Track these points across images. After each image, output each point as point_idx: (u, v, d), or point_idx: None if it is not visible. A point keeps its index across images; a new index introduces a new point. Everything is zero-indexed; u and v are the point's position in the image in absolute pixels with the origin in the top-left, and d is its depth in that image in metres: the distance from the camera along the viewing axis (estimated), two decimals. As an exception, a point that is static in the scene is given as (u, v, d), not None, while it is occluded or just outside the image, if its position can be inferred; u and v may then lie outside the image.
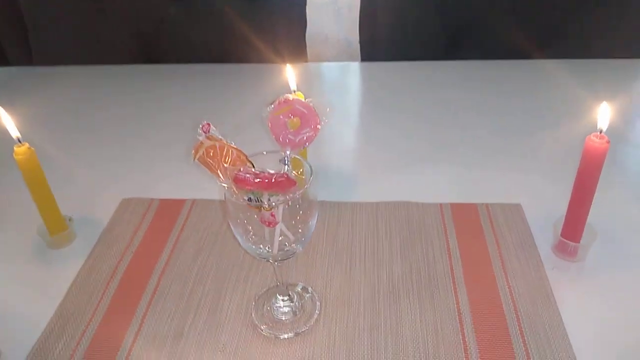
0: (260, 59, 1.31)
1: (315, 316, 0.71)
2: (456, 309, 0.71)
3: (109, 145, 1.11)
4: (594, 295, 0.73)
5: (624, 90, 1.21)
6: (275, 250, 0.62)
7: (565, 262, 0.78)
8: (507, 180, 0.94)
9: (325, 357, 0.66)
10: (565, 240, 0.78)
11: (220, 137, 0.59)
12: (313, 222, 0.62)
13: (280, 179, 0.54)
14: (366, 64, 1.44)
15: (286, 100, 0.62)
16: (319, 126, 0.62)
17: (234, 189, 0.56)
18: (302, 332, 0.69)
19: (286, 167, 0.62)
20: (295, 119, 0.62)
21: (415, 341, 0.67)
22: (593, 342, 0.67)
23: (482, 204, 0.88)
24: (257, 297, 0.74)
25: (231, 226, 0.63)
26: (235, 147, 0.60)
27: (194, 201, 0.93)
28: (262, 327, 0.70)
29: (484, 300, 0.72)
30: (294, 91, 0.82)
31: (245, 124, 1.04)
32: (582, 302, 0.72)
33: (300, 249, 0.63)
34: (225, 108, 1.21)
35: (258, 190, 0.55)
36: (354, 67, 1.48)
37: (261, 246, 0.63)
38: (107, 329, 0.71)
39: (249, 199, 0.57)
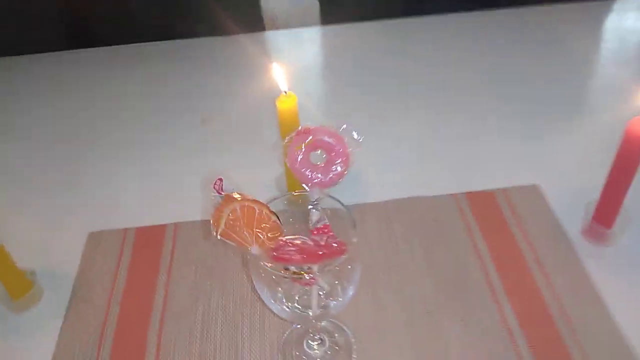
0: (212, 32, 1.14)
1: (355, 357, 0.63)
2: (503, 325, 0.65)
3: (47, 164, 0.94)
4: (635, 283, 0.69)
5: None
6: (315, 310, 0.52)
7: (597, 247, 0.73)
8: (518, 158, 0.87)
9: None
10: (598, 225, 0.72)
11: (233, 190, 0.47)
12: (357, 275, 0.52)
13: (329, 250, 0.43)
14: (330, 27, 1.29)
15: (305, 131, 0.50)
16: (349, 156, 0.51)
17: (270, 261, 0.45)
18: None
19: (316, 214, 0.51)
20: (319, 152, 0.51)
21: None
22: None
23: (499, 190, 0.81)
24: (281, 344, 0.65)
25: (255, 283, 0.52)
26: (253, 199, 0.48)
27: (176, 225, 0.80)
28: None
29: (530, 309, 0.66)
30: (285, 92, 0.69)
31: (212, 115, 0.91)
32: (623, 290, 0.68)
33: (341, 306, 0.53)
34: (184, 96, 1.05)
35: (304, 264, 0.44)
36: (315, 32, 1.33)
37: (290, 305, 0.53)
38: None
39: (287, 268, 0.46)
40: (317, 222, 0.50)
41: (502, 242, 0.74)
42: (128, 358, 0.65)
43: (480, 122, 0.95)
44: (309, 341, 0.64)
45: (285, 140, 0.51)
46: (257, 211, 0.47)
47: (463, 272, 0.71)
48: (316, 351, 0.63)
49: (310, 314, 0.51)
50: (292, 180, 0.79)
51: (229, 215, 0.45)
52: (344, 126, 0.51)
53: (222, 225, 0.44)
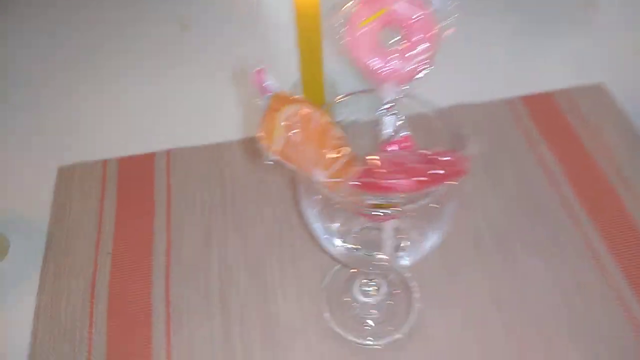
0: None
1: (418, 304, 0.51)
2: (588, 249, 0.53)
3: (3, 88, 0.75)
4: None
5: None
6: (388, 252, 0.38)
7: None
8: (578, 55, 0.73)
9: (452, 350, 0.47)
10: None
11: (277, 88, 0.32)
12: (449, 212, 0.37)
13: (449, 167, 0.29)
14: None
15: (375, -4, 0.34)
16: (435, 36, 0.35)
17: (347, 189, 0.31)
18: (410, 328, 0.49)
19: (391, 121, 0.36)
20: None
21: (553, 301, 0.50)
22: None
23: (560, 91, 0.67)
24: (324, 287, 0.52)
25: (306, 215, 0.38)
26: (309, 101, 0.33)
27: (168, 152, 0.64)
28: (347, 333, 0.49)
29: (616, 228, 0.55)
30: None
31: (194, 17, 0.73)
32: None
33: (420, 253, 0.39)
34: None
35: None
36: None
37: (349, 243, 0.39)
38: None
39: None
40: (394, 133, 0.35)
41: (571, 152, 0.61)
42: (130, 321, 0.51)
43: (533, 17, 0.79)
44: (362, 287, 0.51)
45: (342, 10, 0.35)
46: (318, 120, 0.32)
47: (531, 191, 0.58)
48: (371, 298, 0.51)
49: (382, 257, 0.38)
50: (311, 89, 0.63)
51: (284, 122, 0.29)
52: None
53: (279, 140, 0.29)
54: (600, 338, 0.48)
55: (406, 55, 0.35)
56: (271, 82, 0.31)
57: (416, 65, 0.35)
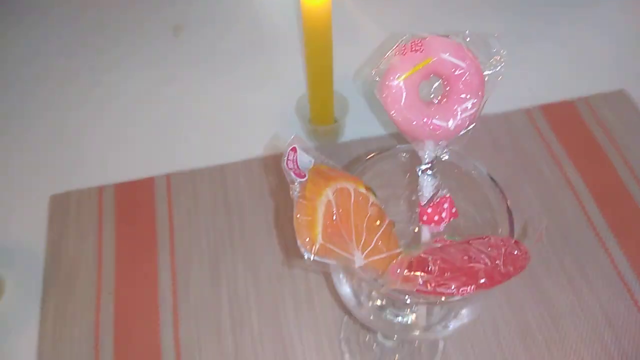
0: None
1: (442, 343, 0.48)
2: (617, 275, 0.51)
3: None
4: None
5: None
6: (422, 324, 0.35)
7: None
8: (597, 61, 0.69)
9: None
10: None
11: (310, 162, 0.28)
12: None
13: (512, 263, 0.25)
14: None
15: (417, 44, 0.30)
16: (485, 84, 0.31)
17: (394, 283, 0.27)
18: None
19: (429, 182, 0.32)
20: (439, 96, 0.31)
21: (587, 339, 0.48)
22: None
23: (580, 98, 0.64)
24: (342, 328, 0.49)
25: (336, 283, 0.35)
26: (339, 171, 0.29)
27: (168, 177, 0.60)
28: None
29: (646, 253, 0.53)
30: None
31: (191, 19, 0.67)
32: None
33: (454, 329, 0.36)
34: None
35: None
36: None
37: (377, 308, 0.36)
38: None
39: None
40: (434, 195, 0.32)
41: (596, 167, 0.59)
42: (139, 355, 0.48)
43: (547, 18, 0.75)
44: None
45: (379, 65, 0.31)
46: (353, 193, 0.28)
47: (555, 209, 0.55)
48: (393, 340, 0.48)
49: (415, 330, 0.35)
50: (320, 106, 0.59)
51: (323, 212, 0.26)
52: (469, 35, 0.31)
53: (319, 235, 0.25)
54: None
55: (451, 112, 0.31)
56: (305, 158, 0.27)
57: (461, 121, 0.31)
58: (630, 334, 0.48)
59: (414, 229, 0.37)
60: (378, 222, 0.30)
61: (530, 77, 0.67)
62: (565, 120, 0.62)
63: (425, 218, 0.33)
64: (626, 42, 0.70)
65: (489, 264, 0.25)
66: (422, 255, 0.26)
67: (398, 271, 0.26)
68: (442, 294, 0.25)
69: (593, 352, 0.47)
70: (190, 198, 0.58)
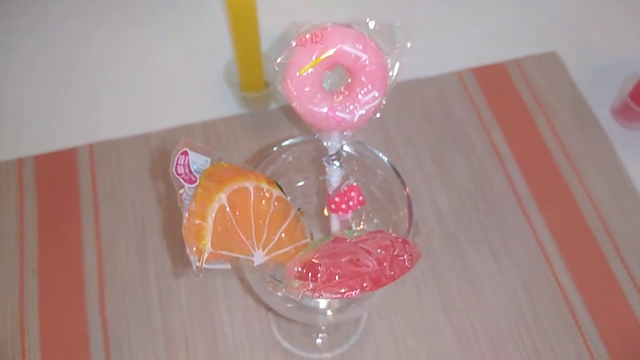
0: None
1: (365, 314, 0.50)
2: (537, 244, 0.53)
3: None
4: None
5: None
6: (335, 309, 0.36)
7: (630, 131, 0.60)
8: (530, 21, 0.69)
9: (402, 357, 0.48)
10: (633, 104, 0.59)
11: (205, 163, 0.27)
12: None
13: (397, 267, 0.26)
14: None
15: (316, 36, 0.29)
16: (389, 75, 0.31)
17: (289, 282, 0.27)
18: (358, 338, 0.49)
19: (336, 172, 0.32)
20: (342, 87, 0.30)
21: (504, 307, 0.50)
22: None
23: (511, 61, 0.64)
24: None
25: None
26: (238, 169, 0.28)
27: (91, 147, 0.57)
28: (295, 346, 0.48)
29: (565, 222, 0.55)
30: None
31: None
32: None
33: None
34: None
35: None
36: None
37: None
38: None
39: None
40: (340, 185, 0.31)
41: (522, 131, 0.60)
42: (66, 350, 0.48)
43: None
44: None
45: (280, 58, 0.29)
46: (252, 192, 0.27)
47: (483, 181, 0.56)
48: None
49: (329, 315, 0.35)
50: (249, 72, 0.57)
51: (214, 219, 0.25)
52: (372, 23, 0.30)
53: (208, 244, 0.25)
54: (547, 340, 0.49)
55: (355, 104, 0.30)
56: (198, 160, 0.26)
57: (365, 112, 0.31)
58: (546, 301, 0.50)
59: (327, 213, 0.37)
60: (282, 216, 0.30)
61: (462, 39, 0.66)
62: (495, 84, 0.62)
63: (333, 207, 0.33)
64: (560, 2, 0.70)
65: (376, 266, 0.25)
66: (314, 260, 0.26)
67: (295, 270, 0.27)
68: (330, 297, 0.25)
69: (509, 319, 0.49)
70: (115, 168, 0.56)
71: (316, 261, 0.26)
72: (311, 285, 0.25)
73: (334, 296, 0.25)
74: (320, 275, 0.25)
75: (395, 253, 0.26)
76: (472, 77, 0.62)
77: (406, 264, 0.26)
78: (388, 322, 0.49)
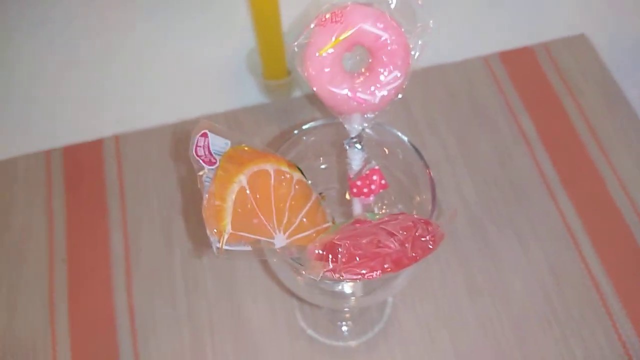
0: None
1: (390, 298, 0.49)
2: (564, 227, 0.52)
3: None
4: None
5: None
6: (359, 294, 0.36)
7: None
8: (553, 2, 0.67)
9: (425, 345, 0.47)
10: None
11: (225, 145, 0.27)
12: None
13: (420, 247, 0.25)
14: None
15: (336, 15, 0.29)
16: (411, 55, 0.30)
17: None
18: (383, 326, 0.48)
19: (358, 155, 0.32)
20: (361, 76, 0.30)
21: (531, 292, 0.49)
22: None
23: (540, 44, 0.62)
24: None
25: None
26: (259, 152, 0.28)
27: (117, 138, 0.58)
28: (320, 334, 0.48)
29: (594, 205, 0.53)
30: None
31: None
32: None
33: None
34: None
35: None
36: None
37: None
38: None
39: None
40: (361, 168, 0.31)
41: (549, 115, 0.58)
42: (95, 335, 0.49)
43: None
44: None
45: (298, 40, 0.29)
46: (273, 174, 0.27)
47: (509, 166, 0.55)
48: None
49: (352, 299, 0.35)
50: (271, 60, 0.57)
51: (234, 200, 0.25)
52: (393, 2, 0.29)
53: (228, 226, 0.25)
54: (575, 327, 0.47)
55: (376, 84, 0.30)
56: (218, 142, 0.26)
57: (387, 93, 0.30)
58: (573, 286, 0.49)
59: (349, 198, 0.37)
60: (303, 200, 0.30)
61: (489, 23, 0.65)
62: (523, 68, 0.61)
63: (355, 191, 0.33)
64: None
65: (397, 247, 0.25)
66: (335, 241, 0.26)
67: (316, 252, 0.26)
68: (351, 279, 0.25)
69: (536, 303, 0.49)
70: (140, 158, 0.57)
71: (337, 242, 0.25)
72: (331, 266, 0.25)
73: (354, 277, 0.25)
74: (341, 256, 0.25)
75: (417, 234, 0.25)
76: (499, 62, 0.61)
77: (429, 245, 0.26)
78: (413, 309, 0.49)
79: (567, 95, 0.59)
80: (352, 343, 0.47)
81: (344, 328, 0.48)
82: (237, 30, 0.64)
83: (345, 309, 0.48)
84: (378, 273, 0.25)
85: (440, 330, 0.48)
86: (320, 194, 0.32)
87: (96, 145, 0.57)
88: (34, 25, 0.67)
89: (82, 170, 0.56)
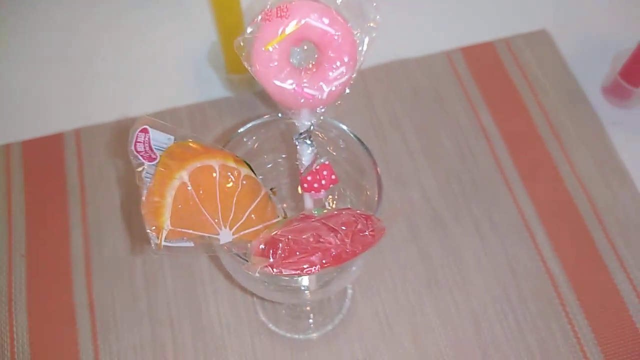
0: None
1: (350, 291, 0.50)
2: (522, 222, 0.53)
3: None
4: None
5: None
6: (313, 288, 0.36)
7: (621, 109, 0.60)
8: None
9: (384, 338, 0.48)
10: (623, 82, 0.58)
11: (168, 140, 0.27)
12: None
13: (360, 243, 0.26)
14: None
15: (282, 10, 0.29)
16: (358, 51, 0.30)
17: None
18: (342, 318, 0.49)
19: (307, 151, 0.32)
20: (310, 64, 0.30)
21: (489, 286, 0.50)
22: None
23: (500, 39, 0.63)
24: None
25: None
26: (204, 147, 0.28)
27: (77, 132, 0.57)
28: (280, 328, 0.48)
29: (551, 199, 0.54)
30: None
31: None
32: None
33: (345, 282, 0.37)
34: None
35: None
36: None
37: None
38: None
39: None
40: (311, 163, 0.31)
41: (510, 111, 0.59)
42: (54, 332, 0.48)
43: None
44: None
45: (248, 32, 0.29)
46: (218, 170, 0.27)
47: (469, 160, 0.56)
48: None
49: (307, 293, 0.35)
50: (233, 54, 0.57)
51: (173, 196, 0.25)
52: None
53: (167, 222, 0.25)
54: (531, 321, 0.48)
55: (323, 80, 0.30)
56: (159, 137, 0.26)
57: (335, 88, 0.30)
58: (531, 280, 0.50)
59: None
60: (251, 195, 0.30)
61: (452, 18, 0.65)
62: (484, 63, 0.62)
63: (305, 186, 0.33)
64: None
65: (337, 242, 0.25)
66: (276, 236, 0.26)
67: (259, 247, 0.27)
68: (290, 274, 0.25)
69: (494, 295, 0.49)
70: (101, 153, 0.56)
71: (278, 237, 0.26)
72: (271, 260, 0.25)
73: (294, 272, 0.25)
74: (281, 251, 0.25)
75: (357, 228, 0.26)
76: (460, 57, 0.62)
77: (369, 240, 0.26)
78: (372, 302, 0.49)
79: (527, 90, 0.60)
80: (313, 335, 0.48)
81: (305, 321, 0.49)
82: (200, 25, 0.63)
83: (304, 303, 0.48)
84: (317, 268, 0.25)
85: (399, 322, 0.48)
86: (271, 189, 0.33)
87: (56, 139, 0.57)
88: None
89: (42, 164, 0.56)
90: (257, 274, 0.25)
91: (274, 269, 0.25)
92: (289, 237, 0.26)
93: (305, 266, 0.25)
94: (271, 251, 0.25)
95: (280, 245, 0.25)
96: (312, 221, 0.27)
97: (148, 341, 0.48)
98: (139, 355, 0.47)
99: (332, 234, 0.26)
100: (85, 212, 0.53)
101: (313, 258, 0.25)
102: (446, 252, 0.52)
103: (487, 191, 0.54)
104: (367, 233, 0.26)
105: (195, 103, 0.59)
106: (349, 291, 0.50)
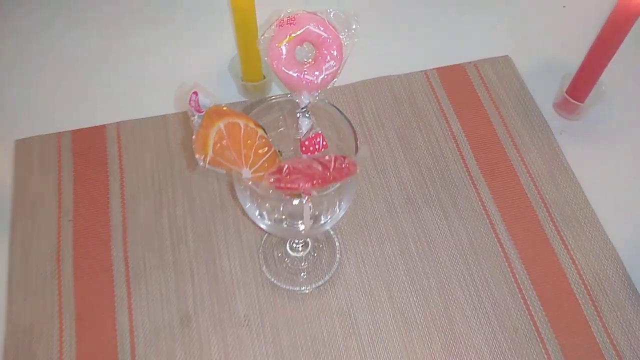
0: None
1: (338, 255, 0.61)
2: (482, 208, 0.64)
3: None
4: (603, 156, 0.70)
5: None
6: (307, 226, 0.47)
7: (568, 121, 0.72)
8: (489, 29, 0.81)
9: (365, 293, 0.58)
10: (569, 98, 0.70)
11: (211, 103, 0.39)
12: (352, 189, 0.47)
13: (339, 173, 0.37)
14: None
15: (290, 20, 0.41)
16: (343, 50, 0.43)
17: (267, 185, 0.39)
18: (331, 276, 0.60)
19: (306, 121, 0.44)
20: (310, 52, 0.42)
21: (452, 257, 0.61)
22: (617, 213, 0.65)
23: (470, 62, 0.76)
24: (261, 246, 0.61)
25: (240, 200, 0.46)
26: (235, 112, 0.40)
27: (118, 124, 0.70)
28: (281, 282, 0.59)
29: (507, 191, 0.66)
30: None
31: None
32: (592, 163, 0.68)
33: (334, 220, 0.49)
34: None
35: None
36: None
37: (276, 218, 0.48)
38: (89, 336, 0.56)
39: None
40: (308, 131, 0.43)
41: (475, 120, 0.71)
42: (94, 278, 0.59)
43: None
44: (293, 244, 0.60)
45: (264, 34, 0.42)
46: (243, 127, 0.39)
47: (439, 157, 0.68)
48: (300, 253, 0.61)
49: (301, 228, 0.47)
50: (249, 65, 0.70)
51: (214, 137, 0.37)
52: (332, 12, 0.42)
53: (210, 151, 0.37)
54: (487, 286, 0.59)
55: (318, 69, 0.43)
56: (204, 100, 0.38)
57: (326, 76, 0.43)
58: (487, 254, 0.61)
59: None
60: (265, 150, 0.42)
61: (430, 43, 0.79)
62: (456, 81, 0.74)
63: (304, 148, 0.45)
64: (515, 12, 0.83)
65: (322, 170, 0.37)
66: (281, 165, 0.38)
67: (270, 175, 0.38)
68: (290, 188, 0.37)
69: (456, 266, 0.61)
70: (137, 142, 0.68)
71: (282, 165, 0.37)
72: (277, 177, 0.36)
73: (293, 186, 0.36)
74: (284, 173, 0.37)
75: (337, 164, 0.37)
76: (436, 76, 0.75)
77: (345, 171, 0.38)
78: (356, 265, 0.60)
79: (491, 105, 0.72)
80: (306, 289, 0.59)
81: (300, 277, 0.59)
82: (223, 40, 0.76)
83: (302, 261, 0.59)
84: (309, 185, 0.36)
85: (377, 282, 0.59)
86: (278, 150, 0.44)
87: (100, 130, 0.69)
88: (52, 22, 0.79)
89: (88, 150, 0.67)
90: (270, 191, 0.36)
91: (280, 183, 0.36)
92: (291, 164, 0.37)
93: (301, 183, 0.36)
94: (277, 174, 0.37)
95: (284, 170, 0.37)
96: (306, 158, 0.38)
97: (172, 289, 0.58)
98: (165, 299, 0.58)
99: (319, 165, 0.37)
100: (123, 186, 0.65)
101: (307, 178, 0.36)
102: (417, 229, 0.63)
103: (453, 184, 0.66)
104: (343, 166, 0.38)
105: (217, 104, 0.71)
106: (338, 256, 0.61)
